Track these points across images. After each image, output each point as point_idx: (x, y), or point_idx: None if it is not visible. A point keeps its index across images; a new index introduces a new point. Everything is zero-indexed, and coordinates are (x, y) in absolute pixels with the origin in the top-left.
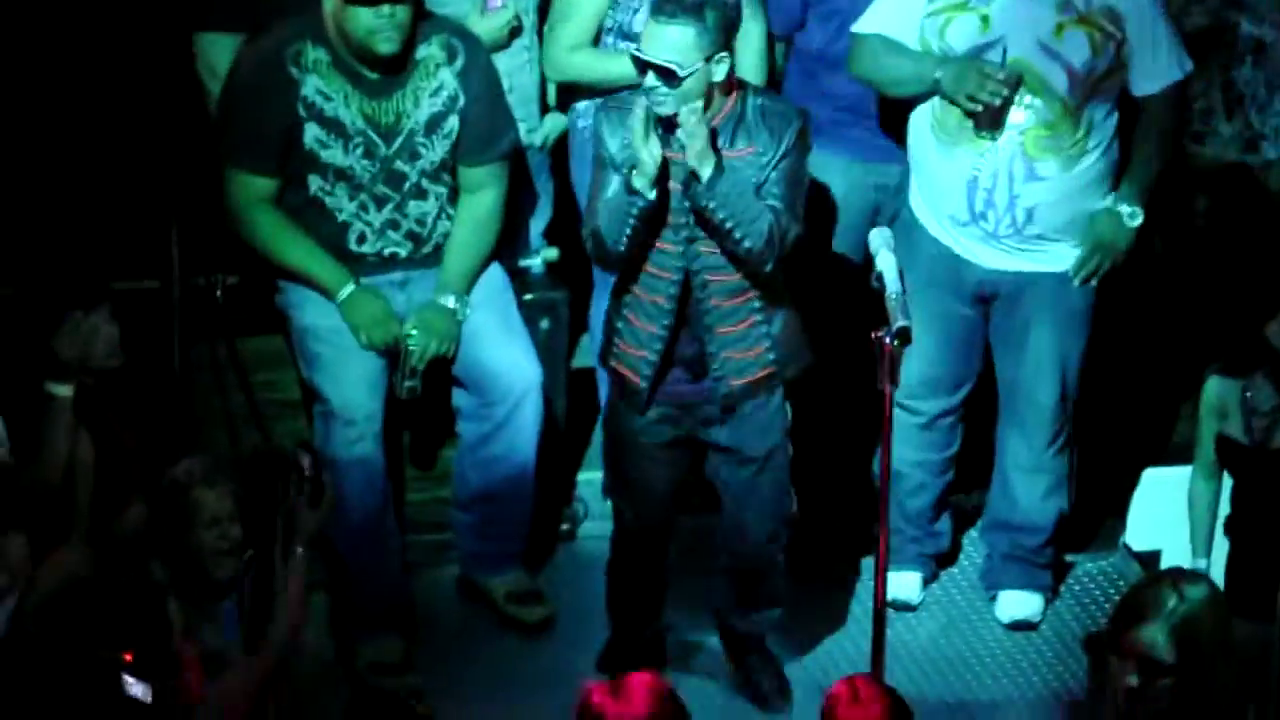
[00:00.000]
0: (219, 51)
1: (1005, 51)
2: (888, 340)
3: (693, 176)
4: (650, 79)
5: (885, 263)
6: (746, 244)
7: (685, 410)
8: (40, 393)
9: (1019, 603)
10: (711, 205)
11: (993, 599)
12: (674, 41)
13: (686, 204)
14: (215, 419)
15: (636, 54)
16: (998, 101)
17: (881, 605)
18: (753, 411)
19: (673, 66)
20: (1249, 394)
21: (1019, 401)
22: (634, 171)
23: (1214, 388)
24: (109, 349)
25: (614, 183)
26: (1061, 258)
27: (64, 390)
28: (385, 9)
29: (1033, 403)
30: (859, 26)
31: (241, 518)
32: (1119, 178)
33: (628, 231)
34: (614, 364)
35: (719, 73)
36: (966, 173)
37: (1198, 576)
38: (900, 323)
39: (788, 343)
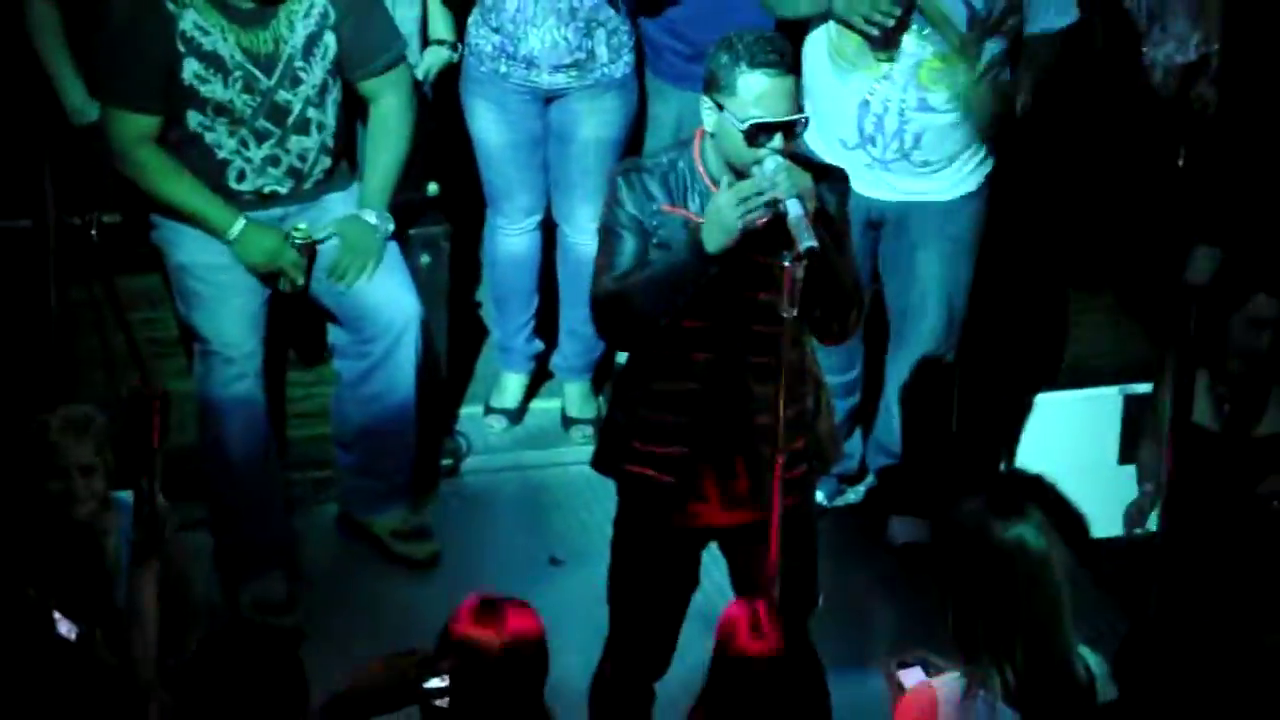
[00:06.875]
0: None
1: None
2: (788, 263)
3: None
4: (777, 142)
5: None
6: None
7: None
8: None
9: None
10: None
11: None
12: (792, 90)
13: None
14: (93, 360)
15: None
16: (890, 22)
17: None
18: None
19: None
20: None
21: (905, 328)
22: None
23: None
24: None
25: (629, 247)
26: (947, 186)
27: None
28: None
29: (918, 328)
30: None
31: (115, 460)
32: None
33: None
34: None
35: None
36: (859, 96)
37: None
38: (807, 243)
39: None
